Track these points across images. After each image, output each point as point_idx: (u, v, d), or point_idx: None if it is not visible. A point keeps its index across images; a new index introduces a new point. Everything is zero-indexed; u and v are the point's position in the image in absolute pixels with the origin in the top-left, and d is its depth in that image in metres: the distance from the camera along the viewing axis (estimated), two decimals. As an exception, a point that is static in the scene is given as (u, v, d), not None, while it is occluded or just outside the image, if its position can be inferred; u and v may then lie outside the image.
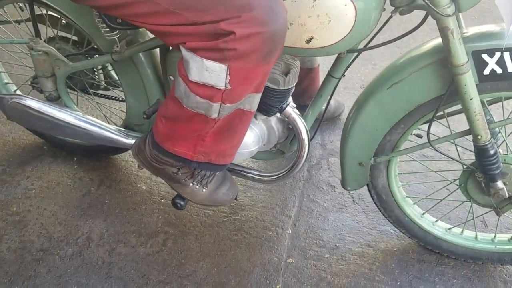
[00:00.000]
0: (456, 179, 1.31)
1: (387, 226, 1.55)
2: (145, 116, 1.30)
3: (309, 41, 1.04)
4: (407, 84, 1.12)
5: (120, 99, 1.62)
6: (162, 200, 1.64)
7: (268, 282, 1.39)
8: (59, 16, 1.42)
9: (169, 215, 1.59)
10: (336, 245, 1.50)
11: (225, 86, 0.97)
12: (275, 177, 1.39)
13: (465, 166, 1.25)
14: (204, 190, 1.32)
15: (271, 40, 0.92)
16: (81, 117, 1.42)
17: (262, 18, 0.90)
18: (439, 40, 1.07)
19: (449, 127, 1.23)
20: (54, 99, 1.49)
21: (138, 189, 1.69)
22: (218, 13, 0.89)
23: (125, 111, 1.58)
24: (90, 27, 1.32)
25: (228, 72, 0.95)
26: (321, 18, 1.00)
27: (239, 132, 1.14)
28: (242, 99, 1.04)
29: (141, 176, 1.72)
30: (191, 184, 1.29)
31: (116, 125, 1.52)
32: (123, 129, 1.47)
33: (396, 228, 1.45)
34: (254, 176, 1.42)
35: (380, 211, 1.43)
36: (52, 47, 1.39)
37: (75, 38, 1.49)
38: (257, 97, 1.08)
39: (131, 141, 1.42)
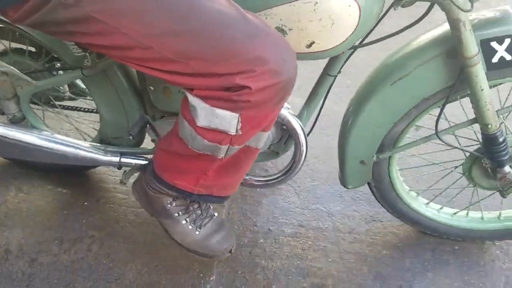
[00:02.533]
0: (458, 166, 1.29)
1: (318, 204, 1.55)
2: (131, 136, 1.20)
3: (309, 45, 0.98)
4: (412, 78, 1.07)
5: (91, 110, 1.47)
6: (86, 203, 1.56)
7: (201, 275, 1.35)
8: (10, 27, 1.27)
9: (94, 218, 1.50)
10: (269, 229, 1.48)
11: (236, 132, 0.94)
12: (273, 181, 1.32)
13: (468, 154, 1.24)
14: (197, 232, 1.23)
15: (284, 89, 0.90)
16: (53, 138, 1.27)
17: (276, 70, 0.86)
18: (441, 31, 1.04)
19: (446, 119, 1.20)
20: (18, 121, 1.35)
21: (60, 194, 1.59)
22: (231, 66, 0.85)
23: (98, 121, 1.44)
24: (53, 41, 1.20)
25: (239, 120, 0.91)
26: (324, 21, 0.94)
27: (244, 167, 1.11)
28: (250, 139, 1.01)
29: (63, 181, 1.62)
30: (184, 222, 1.21)
31: (92, 139, 1.41)
32: (100, 145, 1.33)
33: (399, 219, 1.41)
34: (254, 182, 1.33)
35: (383, 206, 1.39)
36: (11, 67, 1.22)
37: (31, 49, 1.33)
38: (265, 135, 1.05)
39: (111, 158, 1.28)
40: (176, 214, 1.20)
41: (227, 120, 0.91)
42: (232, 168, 1.09)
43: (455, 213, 1.39)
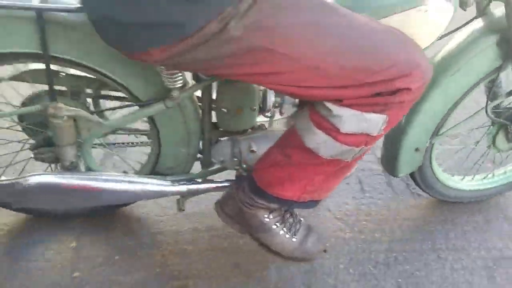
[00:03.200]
0: (478, 141, 1.54)
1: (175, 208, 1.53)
2: (237, 161, 1.23)
3: None
4: (468, 68, 1.25)
5: (142, 143, 1.39)
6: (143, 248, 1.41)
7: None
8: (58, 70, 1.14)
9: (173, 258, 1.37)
10: (128, 244, 1.43)
11: (378, 133, 0.99)
12: None
13: (494, 123, 1.43)
14: (294, 239, 1.25)
15: (425, 86, 0.99)
16: (121, 178, 1.22)
17: (425, 71, 0.95)
18: (482, 25, 1.25)
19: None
20: (74, 166, 1.21)
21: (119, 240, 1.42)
22: (392, 73, 0.91)
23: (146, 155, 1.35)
24: (127, 76, 1.11)
25: (386, 120, 0.97)
26: (429, 26, 1.02)
27: (351, 169, 1.14)
28: None
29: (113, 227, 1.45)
30: (282, 232, 1.23)
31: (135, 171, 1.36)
32: (166, 177, 1.28)
33: (436, 197, 1.58)
34: None
35: (422, 189, 1.54)
36: (80, 109, 1.12)
37: (88, 91, 1.22)
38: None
39: (178, 188, 1.25)
40: (274, 226, 1.22)
41: (375, 122, 0.96)
42: (340, 171, 1.10)
43: (484, 177, 1.61)
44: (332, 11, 0.89)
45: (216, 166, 1.31)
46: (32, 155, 1.25)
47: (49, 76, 1.08)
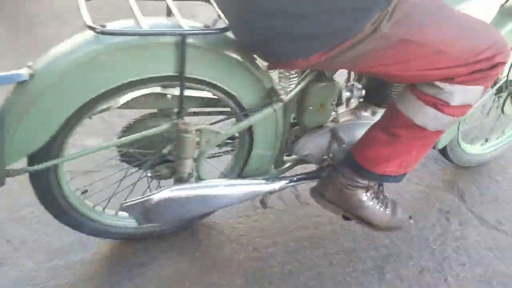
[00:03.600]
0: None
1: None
2: (329, 159, 1.36)
3: None
4: None
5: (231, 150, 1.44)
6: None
7: None
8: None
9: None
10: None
11: (475, 102, 1.18)
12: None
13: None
14: (387, 211, 1.38)
15: None
16: (228, 183, 1.32)
17: (509, 49, 1.16)
18: None
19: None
20: (188, 178, 1.28)
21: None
22: (491, 51, 1.10)
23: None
24: (241, 88, 1.20)
25: (482, 91, 1.16)
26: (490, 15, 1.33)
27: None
28: None
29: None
30: (377, 207, 1.36)
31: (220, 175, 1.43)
32: (259, 178, 1.38)
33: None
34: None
35: (452, 161, 1.81)
36: (204, 123, 1.23)
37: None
38: None
39: (271, 186, 1.36)
40: (372, 203, 1.34)
41: (477, 93, 1.14)
42: (433, 142, 1.25)
43: (498, 137, 1.92)
44: (445, 5, 1.10)
45: (287, 164, 1.45)
46: (134, 180, 1.38)
47: (181, 97, 1.16)
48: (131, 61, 1.06)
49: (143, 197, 1.22)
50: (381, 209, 1.37)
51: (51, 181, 1.22)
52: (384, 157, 1.23)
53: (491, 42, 1.10)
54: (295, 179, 1.42)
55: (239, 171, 1.39)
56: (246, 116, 1.24)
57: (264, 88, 1.21)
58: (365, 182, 1.30)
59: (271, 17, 0.97)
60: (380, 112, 1.37)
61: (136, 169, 1.35)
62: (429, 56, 1.06)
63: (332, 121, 1.40)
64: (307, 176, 1.43)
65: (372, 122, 1.29)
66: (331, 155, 1.38)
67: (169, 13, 1.19)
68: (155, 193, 1.22)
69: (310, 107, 1.30)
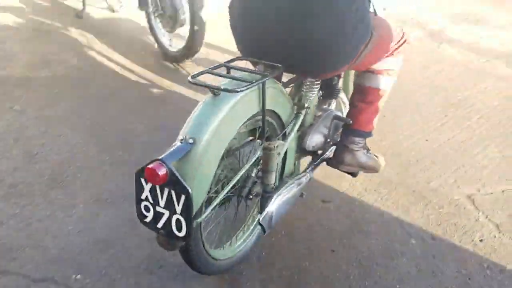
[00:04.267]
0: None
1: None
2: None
3: None
4: None
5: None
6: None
7: None
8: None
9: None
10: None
11: (400, 67, 1.77)
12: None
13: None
14: (375, 157, 1.88)
15: None
16: (293, 180, 1.68)
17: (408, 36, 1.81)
18: None
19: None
20: (274, 188, 1.55)
21: None
22: (402, 36, 1.73)
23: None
24: (283, 108, 1.56)
25: (403, 59, 1.78)
26: None
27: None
28: None
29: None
30: (373, 156, 1.86)
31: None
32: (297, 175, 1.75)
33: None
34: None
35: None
36: (276, 140, 1.50)
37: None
38: None
39: (308, 176, 1.76)
40: (370, 154, 1.85)
41: (402, 60, 1.76)
42: (381, 105, 1.78)
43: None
44: (384, 19, 1.66)
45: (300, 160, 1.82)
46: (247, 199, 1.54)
47: (264, 125, 1.43)
48: (243, 109, 1.33)
49: (265, 211, 1.49)
50: (375, 157, 1.87)
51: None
52: (368, 119, 1.76)
53: (400, 32, 1.72)
54: (313, 166, 1.80)
55: (280, 177, 1.68)
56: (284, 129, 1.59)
57: (291, 104, 1.59)
58: (363, 140, 1.79)
59: (315, 46, 1.38)
60: (333, 101, 1.95)
61: (235, 197, 1.53)
62: (385, 46, 1.62)
63: (324, 110, 1.83)
64: (320, 159, 1.83)
65: (330, 109, 1.85)
66: (332, 138, 1.82)
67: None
68: (272, 203, 1.51)
69: (309, 109, 1.69)
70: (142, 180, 1.21)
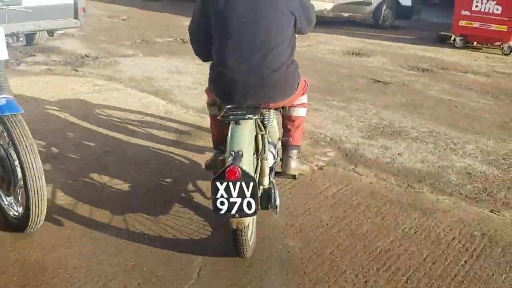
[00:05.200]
0: None
1: None
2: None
3: None
4: None
5: None
6: None
7: None
8: None
9: None
10: None
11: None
12: None
13: None
14: (305, 164, 3.12)
15: None
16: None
17: None
18: None
19: None
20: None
21: None
22: (305, 83, 2.73)
23: None
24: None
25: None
26: None
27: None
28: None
29: None
30: (302, 163, 3.00)
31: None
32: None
33: None
34: None
35: None
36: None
37: None
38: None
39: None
40: (300, 162, 2.88)
41: (306, 97, 2.75)
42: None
43: None
44: None
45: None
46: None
47: (258, 142, 2.26)
48: (252, 129, 2.16)
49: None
50: (305, 164, 3.06)
51: None
52: (298, 136, 2.63)
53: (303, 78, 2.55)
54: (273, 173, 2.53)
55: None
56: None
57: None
58: (298, 152, 2.66)
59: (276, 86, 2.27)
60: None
61: None
62: (303, 88, 2.58)
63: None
64: (274, 169, 2.54)
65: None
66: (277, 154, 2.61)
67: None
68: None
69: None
70: (217, 183, 1.88)
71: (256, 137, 2.15)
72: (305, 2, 2.25)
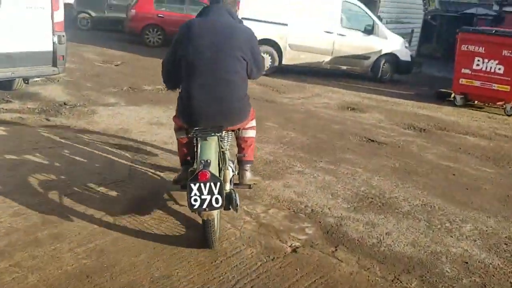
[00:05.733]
0: None
1: None
2: None
3: None
4: None
5: None
6: None
7: None
8: None
9: None
10: None
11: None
12: None
13: None
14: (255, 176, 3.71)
15: None
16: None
17: None
18: None
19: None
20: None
21: None
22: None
23: None
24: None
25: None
26: None
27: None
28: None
29: None
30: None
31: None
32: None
33: None
34: None
35: None
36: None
37: None
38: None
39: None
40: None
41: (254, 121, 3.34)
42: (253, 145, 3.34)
43: None
44: None
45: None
46: None
47: (220, 155, 2.83)
48: (216, 145, 2.79)
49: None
50: (255, 176, 3.58)
51: None
52: (251, 153, 3.21)
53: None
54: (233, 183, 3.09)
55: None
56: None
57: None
58: (251, 165, 3.27)
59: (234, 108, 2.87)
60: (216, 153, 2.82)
61: None
62: (253, 114, 3.13)
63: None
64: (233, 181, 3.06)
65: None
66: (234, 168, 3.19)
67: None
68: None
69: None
70: (191, 184, 2.40)
71: (218, 153, 2.74)
72: (256, 54, 2.91)
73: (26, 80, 5.68)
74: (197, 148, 2.70)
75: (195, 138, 2.75)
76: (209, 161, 2.51)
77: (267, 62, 9.38)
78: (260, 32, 9.37)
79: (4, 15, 4.82)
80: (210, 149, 2.61)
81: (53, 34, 5.27)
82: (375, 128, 6.10)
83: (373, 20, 9.92)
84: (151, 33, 11.83)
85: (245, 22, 9.29)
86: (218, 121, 2.73)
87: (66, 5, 7.85)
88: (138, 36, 11.66)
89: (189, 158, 3.04)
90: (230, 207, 2.65)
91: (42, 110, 5.33)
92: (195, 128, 2.66)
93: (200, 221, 2.65)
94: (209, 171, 2.42)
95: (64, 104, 5.67)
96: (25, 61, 5.11)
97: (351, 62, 9.94)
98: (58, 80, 6.86)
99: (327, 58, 9.77)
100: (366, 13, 9.92)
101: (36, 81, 6.38)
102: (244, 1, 8.97)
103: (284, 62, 9.57)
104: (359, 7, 9.89)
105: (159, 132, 4.98)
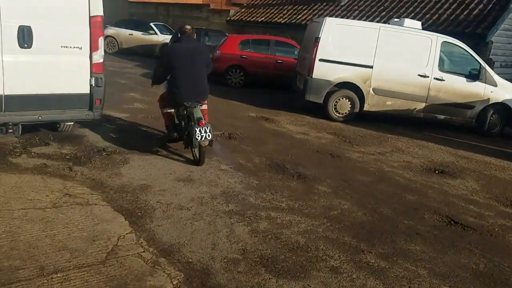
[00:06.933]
0: None
1: None
2: None
3: None
4: None
5: None
6: None
7: None
8: None
9: None
10: None
11: None
12: None
13: None
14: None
15: None
16: None
17: None
18: None
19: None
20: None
21: None
22: None
23: None
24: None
25: None
26: None
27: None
28: None
29: None
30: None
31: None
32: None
33: None
34: None
35: None
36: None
37: None
38: None
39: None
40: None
41: None
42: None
43: None
44: None
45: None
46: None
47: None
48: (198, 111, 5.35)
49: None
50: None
51: None
52: (206, 117, 5.34)
53: None
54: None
55: None
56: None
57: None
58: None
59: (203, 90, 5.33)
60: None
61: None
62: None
63: None
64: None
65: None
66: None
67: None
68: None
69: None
70: (196, 128, 4.85)
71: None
72: (209, 61, 5.42)
73: (58, 124, 5.40)
74: (186, 114, 5.12)
75: (180, 109, 5.18)
76: (200, 117, 4.90)
77: (347, 107, 8.35)
78: (339, 74, 8.41)
79: (36, 55, 4.55)
80: (198, 112, 4.98)
81: (91, 76, 4.91)
82: (464, 203, 4.73)
83: (480, 64, 8.37)
84: (233, 73, 11.50)
85: (322, 64, 8.47)
86: (196, 99, 5.09)
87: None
88: (221, 76, 11.41)
89: (169, 124, 5.44)
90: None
91: (73, 157, 4.93)
92: (184, 103, 5.03)
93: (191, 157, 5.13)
94: (204, 121, 4.89)
95: (103, 150, 5.24)
96: (57, 104, 4.79)
97: (450, 111, 8.45)
98: (116, 122, 6.59)
99: (420, 106, 8.40)
100: (471, 55, 8.41)
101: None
102: (323, 43, 8.12)
103: (366, 108, 8.40)
104: (462, 48, 8.44)
105: (183, 192, 4.25)
